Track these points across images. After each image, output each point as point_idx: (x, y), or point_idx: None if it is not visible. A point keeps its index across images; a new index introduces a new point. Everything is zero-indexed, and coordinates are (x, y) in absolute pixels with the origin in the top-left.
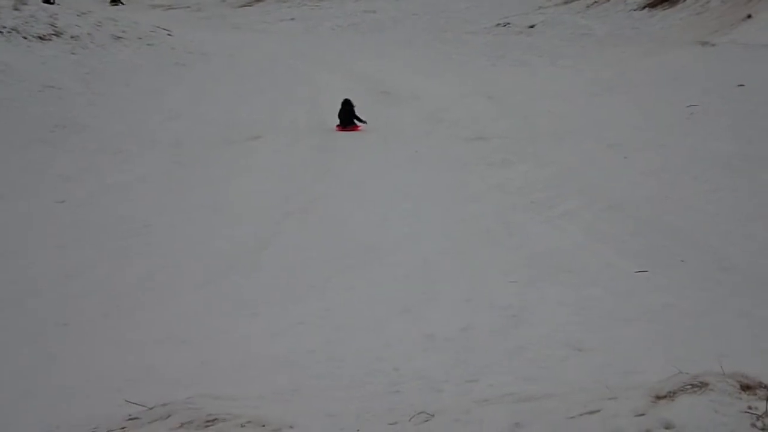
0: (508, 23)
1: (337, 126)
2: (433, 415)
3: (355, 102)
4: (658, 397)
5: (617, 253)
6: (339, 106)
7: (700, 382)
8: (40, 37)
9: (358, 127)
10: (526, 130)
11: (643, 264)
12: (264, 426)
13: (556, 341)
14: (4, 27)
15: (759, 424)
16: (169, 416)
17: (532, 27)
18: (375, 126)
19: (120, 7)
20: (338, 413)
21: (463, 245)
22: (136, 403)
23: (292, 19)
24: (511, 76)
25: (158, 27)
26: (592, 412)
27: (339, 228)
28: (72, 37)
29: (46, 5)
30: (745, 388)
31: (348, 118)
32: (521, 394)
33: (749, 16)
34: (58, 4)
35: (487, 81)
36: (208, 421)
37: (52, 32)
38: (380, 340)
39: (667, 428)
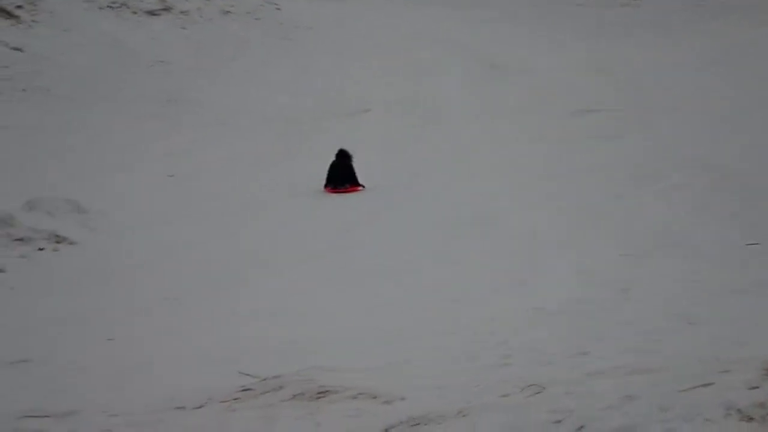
0: None
1: (328, 187)
2: (544, 388)
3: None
4: None
5: (727, 226)
6: (443, 83)
7: None
8: (150, 12)
9: (356, 188)
10: (634, 102)
11: (754, 236)
12: (375, 398)
13: (667, 314)
14: (115, 2)
15: None
16: (281, 388)
17: None
18: (479, 98)
19: None
20: (449, 385)
21: (571, 218)
22: (248, 375)
23: None
24: (619, 49)
25: (266, 1)
26: (705, 385)
27: (446, 201)
28: (181, 11)
29: None
30: None
31: (344, 175)
32: (632, 367)
33: None
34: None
35: (594, 53)
36: (320, 393)
37: (162, 7)
38: (490, 312)
39: None
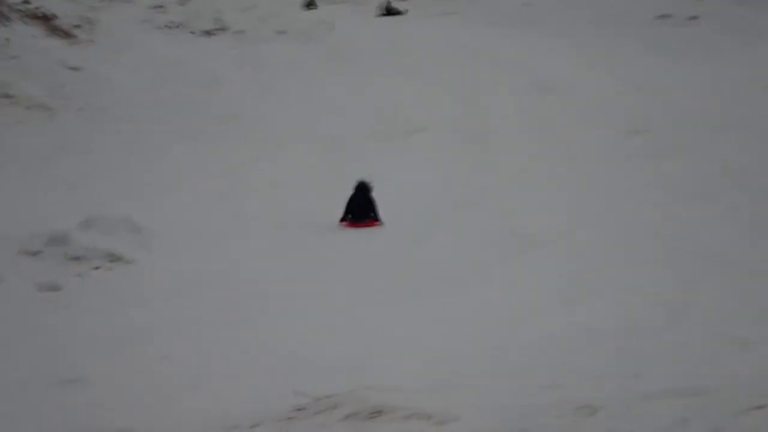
0: (669, 15)
1: (346, 221)
2: (597, 409)
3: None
4: None
5: None
6: (499, 103)
7: None
8: (206, 32)
9: (375, 223)
10: (684, 123)
11: None
12: (429, 417)
13: (719, 336)
14: (172, 22)
15: None
16: (335, 407)
17: (693, 19)
18: (531, 118)
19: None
20: (502, 405)
21: (622, 237)
22: (303, 394)
23: (455, 13)
24: (673, 69)
25: (320, 21)
26: (759, 407)
27: (498, 220)
28: (236, 32)
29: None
30: None
31: (364, 209)
32: (686, 390)
33: None
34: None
35: (646, 73)
36: (373, 413)
37: (218, 27)
38: (541, 333)
39: None
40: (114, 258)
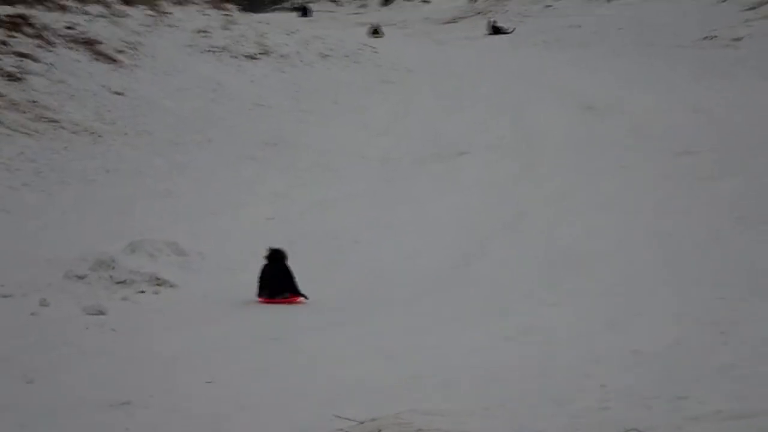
0: (714, 36)
1: (262, 297)
2: None
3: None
4: None
5: None
6: (541, 130)
7: None
8: (249, 56)
9: (296, 298)
10: (735, 143)
11: None
12: None
13: (766, 358)
14: (215, 46)
15: None
16: (378, 431)
17: (738, 40)
18: (578, 139)
19: (310, 18)
20: (546, 429)
21: (669, 258)
22: (345, 418)
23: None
24: (718, 90)
25: (365, 44)
26: None
27: (544, 242)
28: (280, 55)
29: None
30: None
31: (282, 282)
32: (733, 412)
33: None
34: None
35: (692, 94)
36: None
37: (261, 51)
38: (586, 355)
39: None
40: (159, 282)
